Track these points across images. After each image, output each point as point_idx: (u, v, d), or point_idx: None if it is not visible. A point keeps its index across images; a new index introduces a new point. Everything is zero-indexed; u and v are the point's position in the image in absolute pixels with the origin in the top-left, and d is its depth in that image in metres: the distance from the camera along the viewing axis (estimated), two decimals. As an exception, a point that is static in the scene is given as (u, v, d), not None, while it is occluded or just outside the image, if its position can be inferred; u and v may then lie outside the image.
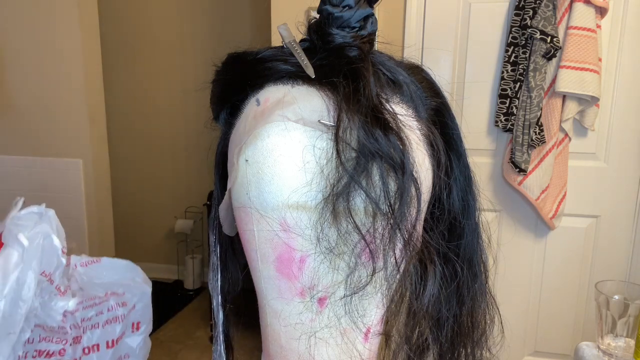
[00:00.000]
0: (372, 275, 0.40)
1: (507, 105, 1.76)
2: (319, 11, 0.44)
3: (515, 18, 1.72)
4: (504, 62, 1.75)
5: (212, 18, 2.99)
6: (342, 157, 0.37)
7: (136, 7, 3.07)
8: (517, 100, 1.73)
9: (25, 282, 0.94)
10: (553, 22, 1.65)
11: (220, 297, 0.53)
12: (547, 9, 1.65)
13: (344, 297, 0.41)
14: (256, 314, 0.46)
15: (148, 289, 1.17)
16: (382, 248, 0.39)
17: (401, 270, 0.41)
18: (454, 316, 0.47)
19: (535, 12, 1.67)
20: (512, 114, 1.74)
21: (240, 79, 0.45)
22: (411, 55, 0.83)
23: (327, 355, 0.43)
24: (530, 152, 1.71)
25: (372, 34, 0.45)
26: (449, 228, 0.47)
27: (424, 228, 0.45)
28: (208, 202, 2.58)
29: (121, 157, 3.17)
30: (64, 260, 1.03)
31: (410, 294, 0.43)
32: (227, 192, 0.45)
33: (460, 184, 0.48)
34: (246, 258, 0.45)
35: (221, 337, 0.54)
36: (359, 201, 0.38)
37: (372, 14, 0.45)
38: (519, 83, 1.72)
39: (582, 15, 1.63)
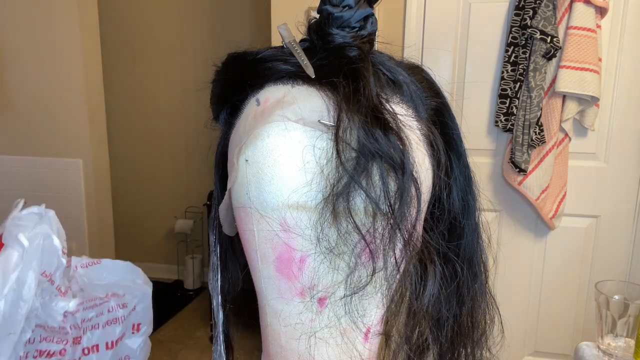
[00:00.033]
0: (372, 275, 0.40)
1: (507, 105, 1.76)
2: (319, 11, 0.44)
3: (515, 18, 1.72)
4: (504, 62, 1.75)
5: (212, 18, 2.99)
6: (342, 157, 0.37)
7: (136, 7, 3.07)
8: (517, 100, 1.73)
9: (26, 282, 0.94)
10: (553, 22, 1.65)
11: (220, 297, 0.53)
12: (547, 9, 1.65)
13: (344, 297, 0.41)
14: (256, 314, 0.46)
15: (148, 290, 1.16)
16: (382, 248, 0.39)
17: (401, 270, 0.41)
18: (454, 316, 0.47)
19: (535, 12, 1.67)
20: (512, 114, 1.74)
21: (240, 79, 0.45)
22: (411, 55, 0.83)
23: (327, 355, 0.43)
24: (530, 152, 1.71)
25: (372, 34, 0.45)
26: (449, 228, 0.47)
27: (424, 228, 0.45)
28: (208, 202, 2.57)
29: (121, 157, 3.17)
30: (64, 261, 1.03)
31: (410, 294, 0.43)
32: (227, 192, 0.45)
33: (460, 184, 0.48)
34: (246, 258, 0.45)
35: (221, 337, 0.54)
36: (359, 201, 0.38)
37: (372, 14, 0.45)
38: (519, 83, 1.72)
39: (582, 15, 1.63)
